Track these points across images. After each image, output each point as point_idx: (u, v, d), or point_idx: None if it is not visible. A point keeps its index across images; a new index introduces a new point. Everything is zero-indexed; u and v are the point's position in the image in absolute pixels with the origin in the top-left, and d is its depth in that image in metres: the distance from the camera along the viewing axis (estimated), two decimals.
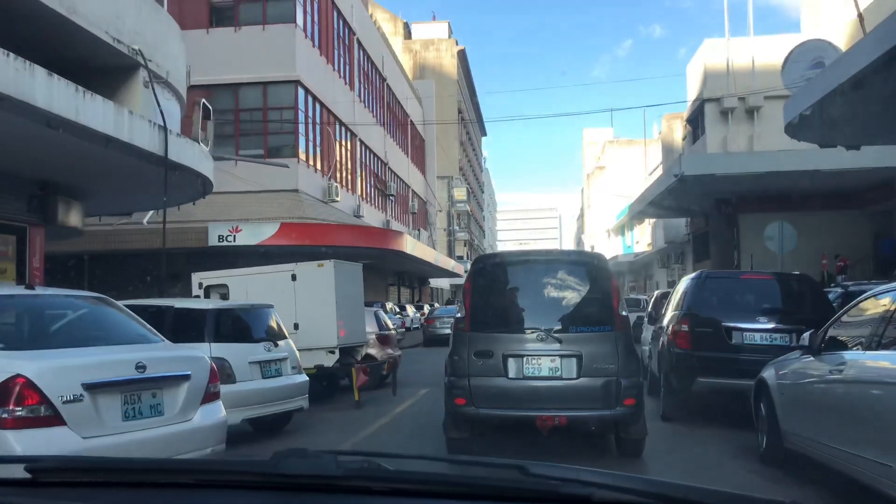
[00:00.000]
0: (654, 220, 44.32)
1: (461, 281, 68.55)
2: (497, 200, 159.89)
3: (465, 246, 76.69)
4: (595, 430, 6.96)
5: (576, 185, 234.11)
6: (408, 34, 76.61)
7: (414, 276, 46.15)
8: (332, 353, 10.07)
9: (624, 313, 6.85)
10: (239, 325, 8.16)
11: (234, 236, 22.29)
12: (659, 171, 37.65)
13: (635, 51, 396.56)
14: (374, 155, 36.04)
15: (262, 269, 11.31)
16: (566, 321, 6.64)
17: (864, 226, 24.95)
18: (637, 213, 33.37)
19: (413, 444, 7.86)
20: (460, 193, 73.03)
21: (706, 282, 8.71)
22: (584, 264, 7.26)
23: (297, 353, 8.24)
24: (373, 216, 33.41)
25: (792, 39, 25.92)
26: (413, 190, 46.98)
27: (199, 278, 10.80)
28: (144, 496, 1.60)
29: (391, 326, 13.46)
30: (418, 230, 46.50)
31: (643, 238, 51.58)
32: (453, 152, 72.15)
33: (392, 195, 38.85)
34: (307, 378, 8.34)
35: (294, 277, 10.49)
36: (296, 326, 9.78)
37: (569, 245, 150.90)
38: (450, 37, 79.51)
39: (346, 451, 1.83)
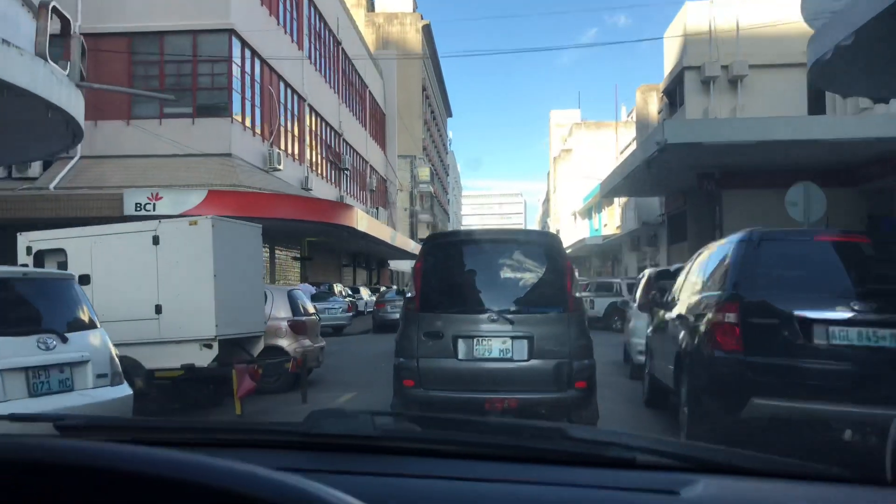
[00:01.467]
0: (623, 201, 42.08)
1: None
2: (462, 185, 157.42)
3: (427, 228, 73.95)
4: (545, 413, 6.34)
5: (541, 173, 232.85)
6: (371, 6, 73.44)
7: (371, 256, 43.35)
8: (209, 346, 7.30)
9: (577, 294, 6.76)
10: None
11: (154, 205, 19.36)
12: (632, 150, 35.34)
13: (600, 39, 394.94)
14: (327, 124, 33.10)
15: (114, 227, 8.37)
16: (518, 302, 6.52)
17: (857, 204, 22.83)
18: (609, 192, 30.98)
19: None
20: (424, 173, 70.28)
21: (762, 247, 5.72)
22: (537, 244, 7.10)
23: (112, 350, 5.33)
24: (324, 190, 30.53)
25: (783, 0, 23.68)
26: (371, 166, 44.09)
27: (28, 240, 7.80)
28: None
29: (312, 311, 10.67)
30: (377, 208, 43.67)
31: (612, 221, 49.39)
32: (417, 131, 69.29)
33: (347, 169, 35.95)
34: (130, 392, 5.45)
35: (156, 240, 7.49)
36: (157, 310, 7.08)
37: (536, 227, 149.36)
38: (415, 10, 76.46)
39: (384, 412, 1.78)
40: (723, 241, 5.93)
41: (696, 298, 6.05)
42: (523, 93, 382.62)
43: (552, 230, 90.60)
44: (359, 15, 59.75)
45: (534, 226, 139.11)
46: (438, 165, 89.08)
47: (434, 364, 6.37)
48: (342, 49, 36.13)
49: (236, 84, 22.20)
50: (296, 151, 28.04)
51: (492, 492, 1.31)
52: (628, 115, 76.85)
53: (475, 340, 6.39)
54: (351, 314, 21.81)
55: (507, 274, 6.79)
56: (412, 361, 6.43)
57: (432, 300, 6.57)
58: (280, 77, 26.05)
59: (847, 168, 21.38)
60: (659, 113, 32.52)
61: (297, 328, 9.52)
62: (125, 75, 21.64)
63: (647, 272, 11.26)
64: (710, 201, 25.42)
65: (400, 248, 37.61)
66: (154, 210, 19.25)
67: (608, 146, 65.20)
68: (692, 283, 6.57)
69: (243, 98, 22.71)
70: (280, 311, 9.28)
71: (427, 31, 74.76)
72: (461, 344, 6.38)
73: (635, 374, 10.43)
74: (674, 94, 30.16)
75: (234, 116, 21.90)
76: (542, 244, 7.01)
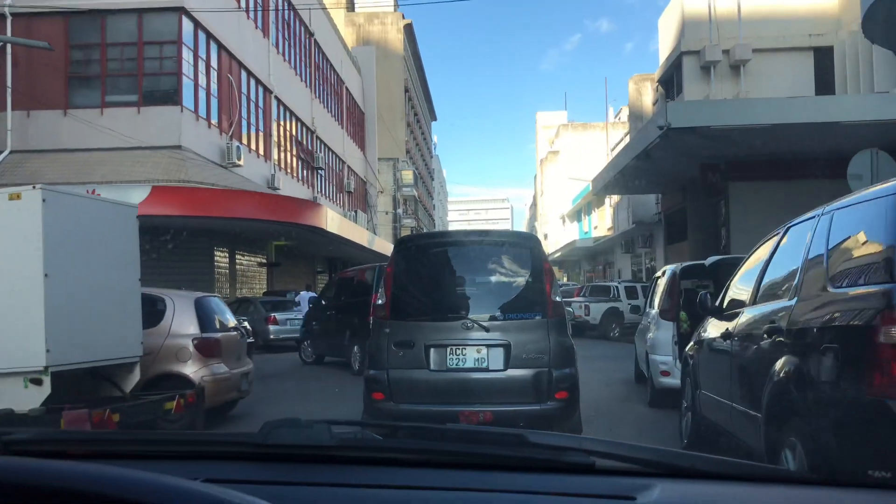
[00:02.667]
0: (615, 201, 39.96)
1: None
2: (448, 191, 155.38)
3: (411, 233, 71.64)
4: (524, 426, 5.15)
5: (528, 180, 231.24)
6: (350, 5, 71.34)
7: (350, 262, 40.92)
8: (37, 382, 4.93)
9: (557, 299, 6.30)
10: None
11: None
12: (625, 144, 33.20)
13: (583, 45, 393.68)
14: (298, 120, 30.76)
15: None
16: (494, 307, 6.17)
17: None
18: (601, 189, 28.80)
19: None
20: (407, 176, 67.95)
21: None
22: (515, 245, 6.68)
23: None
24: (295, 190, 28.16)
25: None
26: (349, 167, 41.76)
27: None
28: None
29: (233, 324, 8.21)
30: (355, 211, 41.30)
31: (602, 222, 47.28)
32: (399, 133, 67.06)
33: (320, 168, 33.60)
34: None
35: None
36: None
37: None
38: (396, 9, 74.38)
39: (340, 421, 1.58)
40: (846, 198, 3.42)
41: (811, 302, 3.56)
42: (509, 97, 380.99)
43: (540, 234, 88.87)
44: (338, 15, 57.61)
45: (523, 229, 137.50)
46: (423, 169, 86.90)
47: (405, 375, 6.01)
48: (315, 41, 33.82)
49: (188, 69, 19.84)
50: (260, 147, 25.67)
51: (449, 501, 1.31)
52: (616, 116, 75.28)
53: (448, 350, 6.02)
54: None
55: (482, 278, 6.42)
56: (382, 373, 6.04)
57: (403, 307, 6.22)
58: (242, 65, 23.72)
59: None
60: (654, 104, 30.42)
61: (207, 348, 7.11)
62: (62, 60, 19.25)
63: (668, 270, 9.01)
64: (713, 196, 23.27)
65: (379, 253, 35.24)
66: None
67: (596, 147, 63.43)
68: (775, 281, 4.20)
69: (196, 85, 20.35)
70: (183, 326, 6.93)
71: (409, 30, 72.65)
72: (433, 353, 6.01)
73: (658, 400, 8.20)
74: (670, 83, 28.06)
75: (184, 105, 19.52)
76: (520, 245, 6.59)
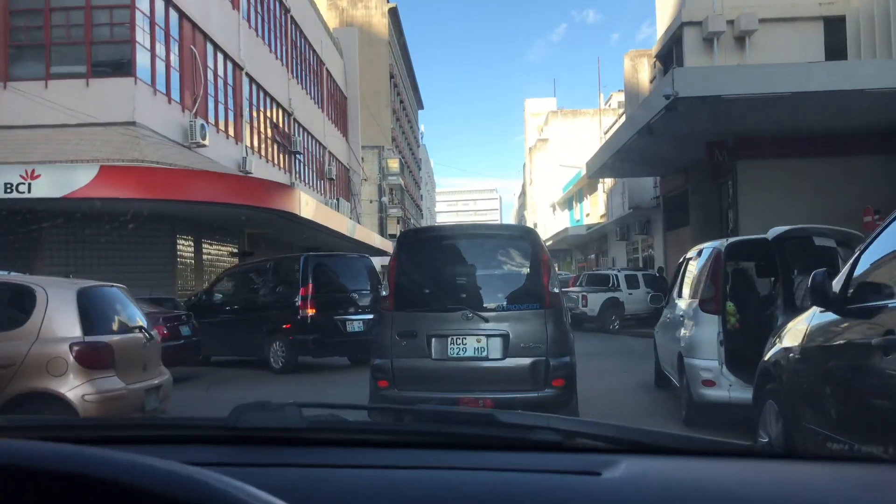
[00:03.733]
0: (609, 186, 38.28)
1: None
2: (436, 182, 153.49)
3: (398, 223, 69.83)
4: (521, 409, 5.69)
5: (516, 170, 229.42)
6: None
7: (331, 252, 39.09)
8: None
9: (555, 290, 6.55)
10: None
11: (29, 185, 15.15)
12: (621, 124, 31.43)
13: (569, 35, 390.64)
14: (274, 101, 28.81)
15: None
16: (493, 298, 6.45)
17: None
18: (595, 172, 27.08)
19: None
20: (393, 164, 66.09)
21: None
22: (514, 238, 7.02)
23: None
24: (270, 175, 26.21)
25: None
26: (331, 152, 39.82)
27: None
28: None
29: (137, 324, 6.22)
30: (337, 199, 39.41)
31: (595, 209, 45.62)
32: (385, 120, 65.26)
33: (299, 153, 31.68)
34: None
35: None
36: None
37: (511, 223, 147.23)
38: None
39: (311, 403, 1.58)
40: None
41: None
42: (496, 86, 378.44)
43: (529, 224, 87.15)
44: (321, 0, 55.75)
45: (510, 221, 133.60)
46: (410, 158, 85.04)
47: (408, 364, 6.33)
48: (292, 18, 31.84)
49: (143, 38, 17.89)
50: (230, 128, 23.76)
51: (419, 479, 1.32)
52: (606, 102, 73.64)
53: (449, 339, 6.32)
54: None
55: (482, 270, 6.70)
56: (386, 362, 6.38)
57: (406, 298, 6.51)
58: (208, 37, 21.78)
59: (891, 131, 17.62)
60: (651, 81, 28.68)
61: (93, 357, 5.19)
62: (0, 27, 17.30)
63: (707, 248, 7.21)
64: (719, 177, 21.59)
65: (362, 243, 33.41)
66: (29, 191, 15.07)
67: (587, 135, 61.88)
68: None
69: (154, 56, 18.42)
70: (60, 327, 5.03)
71: (394, 14, 70.69)
72: (435, 343, 6.33)
73: (697, 416, 6.44)
74: (669, 58, 26.31)
75: (139, 77, 17.60)
76: (519, 238, 6.94)
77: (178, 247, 19.82)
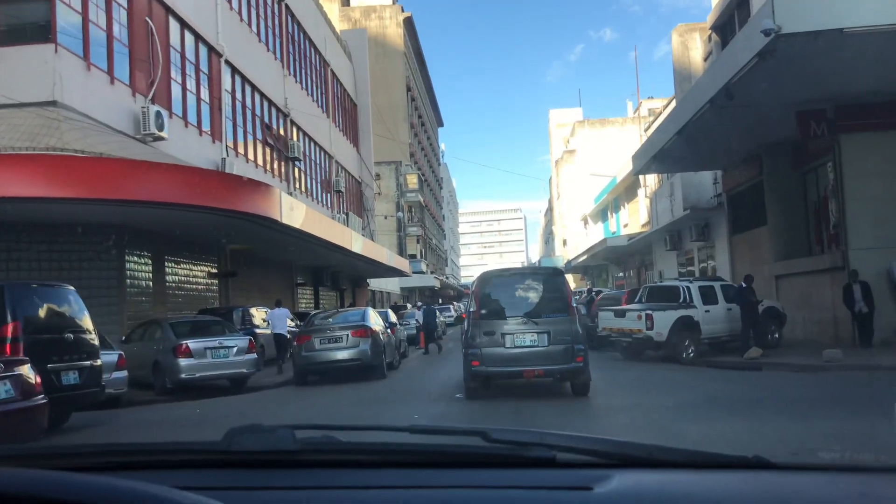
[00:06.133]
0: (653, 189, 33.79)
1: (415, 283, 58.02)
2: (458, 203, 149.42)
3: (418, 243, 65.78)
4: (559, 377, 10.79)
5: (540, 192, 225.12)
6: (346, 0, 66.09)
7: (341, 274, 34.93)
8: None
9: (575, 305, 11.25)
10: None
11: None
12: (675, 107, 27.00)
13: (586, 54, 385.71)
14: (265, 97, 24.87)
15: None
16: (539, 311, 10.54)
17: None
18: (643, 167, 22.67)
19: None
20: (412, 181, 62.14)
21: None
22: (550, 274, 11.72)
23: None
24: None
25: None
26: (339, 163, 35.83)
27: None
28: None
29: None
30: (346, 214, 35.37)
31: (634, 219, 41.09)
32: (402, 135, 61.51)
33: (297, 159, 27.66)
34: None
35: None
36: None
37: (536, 243, 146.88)
38: (395, 2, 68.93)
39: (303, 425, 1.56)
40: None
41: None
42: (516, 109, 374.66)
43: (557, 240, 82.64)
44: (332, 10, 52.38)
45: (537, 239, 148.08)
46: (430, 176, 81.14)
47: (491, 351, 10.31)
48: (286, 6, 28.04)
49: None
50: (204, 122, 19.77)
51: (413, 499, 1.33)
52: (635, 111, 69.38)
53: (515, 335, 10.40)
54: (255, 356, 13.29)
55: (531, 294, 10.84)
56: (476, 350, 10.32)
57: (488, 311, 10.60)
58: (170, 10, 17.87)
59: None
60: (705, 59, 24.29)
61: None
62: None
63: None
64: (811, 157, 17.12)
65: (372, 260, 29.22)
66: None
67: (616, 145, 57.91)
68: None
69: (86, 22, 14.47)
70: None
71: (409, 24, 67.14)
72: (507, 338, 10.39)
73: None
74: (729, 27, 21.98)
75: (62, 45, 13.65)
76: (552, 274, 11.69)
77: (129, 265, 15.74)
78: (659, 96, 59.93)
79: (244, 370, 12.94)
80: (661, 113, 31.93)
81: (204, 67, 20.17)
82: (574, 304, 10.94)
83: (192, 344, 12.31)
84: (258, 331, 16.83)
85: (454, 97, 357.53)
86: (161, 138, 16.22)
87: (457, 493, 1.33)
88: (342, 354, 13.32)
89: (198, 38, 19.65)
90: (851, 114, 14.68)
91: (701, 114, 15.21)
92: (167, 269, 17.44)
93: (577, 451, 1.44)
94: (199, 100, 19.68)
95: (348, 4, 67.12)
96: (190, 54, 19.32)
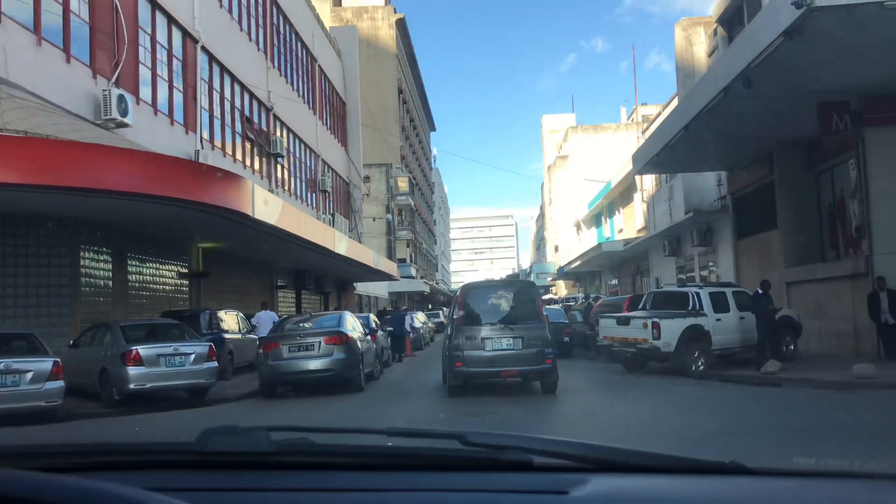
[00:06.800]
0: (650, 193, 32.58)
1: (402, 287, 56.61)
2: (450, 209, 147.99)
3: (408, 247, 64.47)
4: (531, 378, 12.01)
5: (531, 198, 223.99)
6: (337, 0, 64.91)
7: (325, 276, 33.52)
8: None
9: (545, 313, 12.58)
10: None
11: None
12: (682, 100, 25.75)
13: (578, 64, 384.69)
14: (245, 89, 23.53)
15: None
16: (514, 318, 11.78)
17: None
18: (645, 166, 21.43)
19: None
20: (402, 183, 60.89)
21: None
22: (523, 285, 13.82)
23: None
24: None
25: None
26: (326, 162, 34.49)
27: None
28: None
29: None
30: (332, 214, 34.01)
31: (629, 224, 39.87)
32: (393, 137, 60.29)
33: (280, 156, 26.28)
34: None
35: None
36: None
37: (528, 249, 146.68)
38: (387, 3, 67.76)
39: (279, 427, 1.56)
40: None
41: None
42: (508, 117, 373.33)
43: (549, 246, 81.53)
44: (324, 10, 51.10)
45: (528, 246, 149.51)
46: (421, 180, 79.86)
47: (472, 353, 11.42)
48: None
49: None
50: (176, 111, 18.39)
51: (390, 501, 1.33)
52: (629, 118, 68.39)
53: (493, 339, 11.54)
54: (215, 365, 11.81)
55: (507, 303, 12.03)
56: (460, 352, 11.41)
57: (470, 318, 11.78)
58: None
59: None
60: (710, 54, 23.08)
61: None
62: None
63: None
64: (832, 154, 15.92)
65: (357, 262, 27.83)
66: None
67: (608, 151, 57.02)
68: None
69: None
70: None
71: (401, 25, 65.93)
72: (486, 342, 11.53)
73: None
74: (737, 19, 20.79)
75: (6, 14, 12.26)
76: (526, 286, 13.74)
77: (84, 262, 14.32)
78: (653, 103, 59.09)
79: (203, 380, 11.50)
80: (659, 114, 30.73)
81: (178, 53, 18.80)
82: (544, 313, 12.44)
83: (143, 350, 10.88)
84: (227, 336, 15.42)
85: (446, 104, 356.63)
86: (125, 125, 14.82)
87: (433, 496, 1.34)
88: (313, 364, 11.90)
89: (171, 20, 18.29)
90: (878, 106, 13.47)
91: (713, 104, 13.96)
92: (130, 268, 16.02)
93: (554, 454, 1.44)
94: (171, 87, 18.31)
95: (340, 4, 65.97)
96: (162, 38, 17.96)
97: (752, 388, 11.67)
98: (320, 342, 12.02)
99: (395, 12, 66.73)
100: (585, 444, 1.46)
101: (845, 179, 15.68)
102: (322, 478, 1.40)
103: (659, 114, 31.06)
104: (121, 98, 14.69)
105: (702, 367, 13.36)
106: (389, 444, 1.59)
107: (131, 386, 10.77)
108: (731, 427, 7.86)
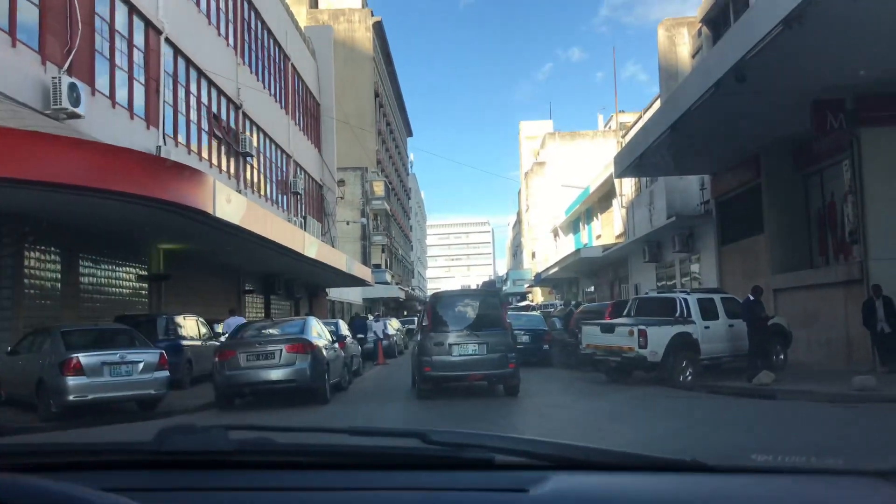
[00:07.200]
0: (629, 199, 31.99)
1: (378, 293, 55.62)
2: (426, 216, 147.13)
3: (383, 252, 63.48)
4: (495, 381, 12.62)
5: (508, 206, 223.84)
6: (314, 2, 63.97)
7: (296, 281, 32.47)
8: None
9: (508, 321, 13.57)
10: None
11: None
12: (667, 98, 25.13)
13: (555, 73, 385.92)
14: (213, 85, 22.53)
15: None
16: (480, 325, 12.38)
17: None
18: (626, 169, 20.77)
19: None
20: (378, 188, 59.94)
21: None
22: (489, 294, 14.27)
23: None
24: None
25: None
26: (298, 163, 33.51)
27: None
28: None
29: None
30: (304, 217, 33.04)
31: (608, 230, 39.29)
32: (369, 141, 59.37)
33: (249, 155, 25.29)
34: None
35: None
36: None
37: (504, 256, 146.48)
38: (364, 6, 66.96)
39: (237, 426, 1.55)
40: None
41: None
42: (486, 124, 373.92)
43: (527, 252, 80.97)
44: (300, 13, 50.15)
45: (505, 253, 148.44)
46: (398, 185, 79.00)
47: (440, 358, 12.00)
48: None
49: None
50: (135, 103, 17.37)
51: (350, 500, 1.31)
52: (606, 125, 68.18)
53: (460, 345, 12.15)
54: (166, 375, 10.82)
55: (474, 311, 12.68)
56: (429, 357, 12.00)
57: (438, 325, 12.39)
58: None
59: None
60: (694, 55, 22.53)
61: None
62: None
63: None
64: (826, 155, 15.32)
65: (328, 266, 26.85)
66: None
67: (586, 158, 56.70)
68: None
69: None
70: None
71: (378, 29, 65.13)
72: (453, 347, 12.12)
73: None
74: (722, 19, 20.24)
75: None
76: (492, 295, 14.34)
77: (29, 262, 13.26)
78: (630, 110, 58.90)
79: (152, 391, 10.54)
80: (639, 119, 30.18)
81: (139, 44, 17.79)
82: (508, 321, 13.40)
83: (85, 358, 9.88)
84: (186, 343, 14.42)
85: (423, 111, 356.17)
86: (77, 115, 13.83)
87: (394, 494, 1.32)
88: (274, 374, 10.95)
89: (132, 9, 17.29)
90: (875, 104, 12.89)
91: (702, 101, 13.29)
92: (82, 269, 14.96)
93: (515, 452, 1.43)
94: (131, 79, 17.29)
95: (316, 6, 65.08)
96: (122, 27, 16.95)
97: (747, 402, 10.95)
98: (282, 350, 11.06)
99: (373, 15, 65.90)
100: (546, 441, 1.45)
101: (837, 182, 15.09)
102: (282, 477, 1.39)
103: (638, 119, 30.52)
104: (72, 87, 13.69)
105: (690, 378, 12.63)
106: (351, 442, 1.55)
107: (70, 397, 9.76)
108: (738, 443, 7.02)
